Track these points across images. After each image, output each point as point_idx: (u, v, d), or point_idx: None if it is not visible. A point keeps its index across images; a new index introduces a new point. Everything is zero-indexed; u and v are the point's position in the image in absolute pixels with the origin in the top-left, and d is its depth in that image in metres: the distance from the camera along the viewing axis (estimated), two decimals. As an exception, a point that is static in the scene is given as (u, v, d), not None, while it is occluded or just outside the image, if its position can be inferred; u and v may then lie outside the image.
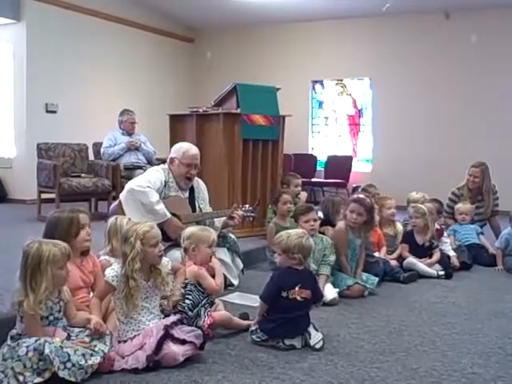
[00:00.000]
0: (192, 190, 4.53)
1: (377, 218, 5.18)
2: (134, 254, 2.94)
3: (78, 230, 3.21)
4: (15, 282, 2.79)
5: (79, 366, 2.65)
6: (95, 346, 2.79)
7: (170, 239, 4.14)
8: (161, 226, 4.05)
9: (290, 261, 3.35)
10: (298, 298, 3.26)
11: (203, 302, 3.35)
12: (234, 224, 4.63)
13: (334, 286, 4.29)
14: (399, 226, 5.57)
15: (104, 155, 7.77)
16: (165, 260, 3.18)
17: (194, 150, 4.49)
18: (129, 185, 4.27)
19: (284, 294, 3.25)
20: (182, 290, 3.33)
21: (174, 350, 2.83)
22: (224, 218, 4.59)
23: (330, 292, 4.14)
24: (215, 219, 4.58)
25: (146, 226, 3.04)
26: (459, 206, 6.05)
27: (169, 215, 4.18)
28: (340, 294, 4.23)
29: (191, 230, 3.55)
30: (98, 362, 2.73)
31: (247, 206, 4.82)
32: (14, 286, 2.81)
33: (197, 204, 4.52)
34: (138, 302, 2.96)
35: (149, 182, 4.24)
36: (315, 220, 4.39)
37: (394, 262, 5.14)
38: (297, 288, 3.27)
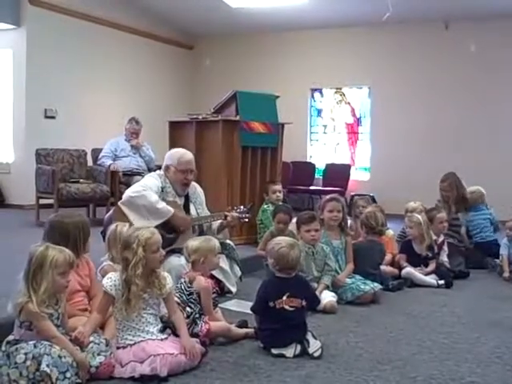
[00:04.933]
0: (187, 196, 4.54)
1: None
2: (137, 260, 2.96)
3: (88, 237, 3.27)
4: (16, 285, 2.77)
5: (76, 378, 2.63)
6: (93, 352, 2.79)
7: (177, 232, 4.23)
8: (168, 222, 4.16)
9: (272, 266, 3.41)
10: (287, 307, 3.26)
11: (197, 310, 3.35)
12: (227, 223, 4.62)
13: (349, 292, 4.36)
14: (389, 232, 5.59)
15: (99, 160, 7.82)
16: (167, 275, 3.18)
17: (188, 155, 4.49)
18: (126, 194, 4.30)
19: (271, 304, 3.26)
20: (185, 297, 3.35)
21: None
22: (220, 220, 4.59)
23: (326, 296, 4.16)
24: (212, 223, 4.60)
25: (148, 233, 3.06)
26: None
27: (172, 210, 4.21)
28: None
29: (195, 243, 3.55)
30: (92, 371, 2.73)
31: (242, 207, 4.82)
32: (13, 291, 2.79)
33: (194, 209, 4.53)
34: (137, 307, 2.96)
35: (144, 186, 4.28)
36: (316, 230, 4.37)
37: (389, 269, 5.16)
38: (284, 297, 3.27)
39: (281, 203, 5.78)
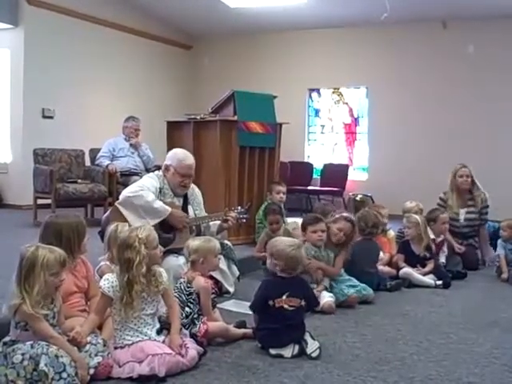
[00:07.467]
0: (185, 197, 4.54)
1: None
2: (141, 258, 2.96)
3: (83, 238, 3.26)
4: (11, 286, 2.77)
5: (72, 378, 2.62)
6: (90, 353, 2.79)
7: (174, 231, 4.27)
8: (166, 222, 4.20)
9: (275, 267, 3.40)
10: (286, 306, 3.26)
11: (196, 310, 3.36)
12: (228, 226, 4.64)
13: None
14: (390, 233, 5.60)
15: (97, 160, 7.81)
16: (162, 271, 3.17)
17: (189, 159, 4.47)
18: (123, 194, 4.31)
19: (270, 303, 3.27)
20: (184, 297, 3.35)
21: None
22: (218, 221, 4.60)
23: (324, 296, 4.16)
24: (210, 224, 4.61)
25: (146, 230, 3.07)
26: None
27: (169, 209, 4.23)
28: (339, 305, 4.26)
29: (196, 243, 3.55)
30: (91, 373, 2.73)
31: (239, 207, 4.83)
32: (9, 292, 2.78)
33: (191, 210, 4.54)
34: (137, 307, 2.96)
35: (141, 186, 4.29)
36: (323, 231, 4.36)
37: (387, 269, 5.16)
38: (284, 297, 3.27)
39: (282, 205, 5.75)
